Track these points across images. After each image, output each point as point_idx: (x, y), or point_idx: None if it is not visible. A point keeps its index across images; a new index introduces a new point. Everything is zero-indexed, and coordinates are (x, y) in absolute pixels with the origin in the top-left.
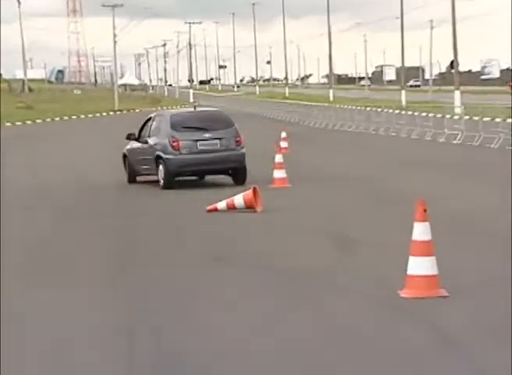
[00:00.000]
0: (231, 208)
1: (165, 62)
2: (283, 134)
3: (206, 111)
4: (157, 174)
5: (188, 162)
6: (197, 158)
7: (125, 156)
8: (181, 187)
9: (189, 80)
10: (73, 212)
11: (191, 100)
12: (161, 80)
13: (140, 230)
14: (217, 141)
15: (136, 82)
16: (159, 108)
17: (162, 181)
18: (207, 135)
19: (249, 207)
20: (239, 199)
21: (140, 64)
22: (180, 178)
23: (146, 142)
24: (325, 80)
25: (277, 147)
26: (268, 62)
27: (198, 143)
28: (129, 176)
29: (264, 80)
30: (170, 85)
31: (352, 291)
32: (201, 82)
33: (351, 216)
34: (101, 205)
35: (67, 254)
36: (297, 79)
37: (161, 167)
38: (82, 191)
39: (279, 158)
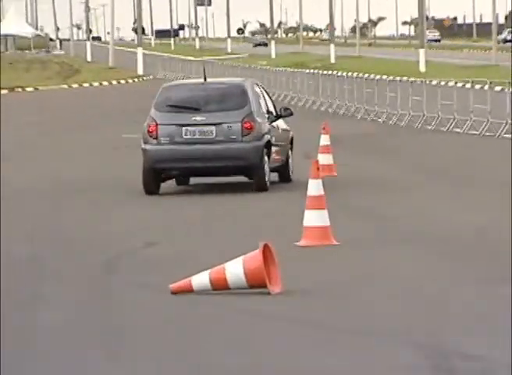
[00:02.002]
0: (218, 287)
1: None
2: (324, 140)
3: (218, 83)
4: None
5: (167, 156)
6: (180, 150)
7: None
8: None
9: (134, 30)
10: None
11: (140, 69)
12: (78, 27)
13: None
14: (212, 128)
15: (29, 32)
16: (75, 85)
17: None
18: (198, 118)
19: (254, 285)
20: (235, 269)
21: None
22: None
23: None
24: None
25: (312, 166)
26: None
27: (184, 129)
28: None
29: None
30: (96, 39)
31: None
32: (159, 33)
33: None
34: None
35: None
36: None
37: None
38: None
39: (315, 187)
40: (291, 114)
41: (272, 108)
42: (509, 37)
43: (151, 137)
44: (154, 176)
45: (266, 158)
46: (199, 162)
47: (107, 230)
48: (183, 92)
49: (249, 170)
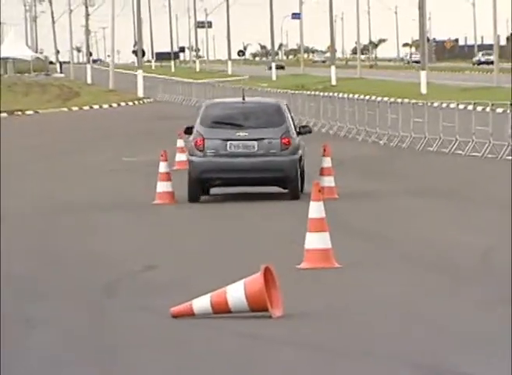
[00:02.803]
0: (219, 310)
1: (87, 12)
2: (325, 162)
3: (256, 102)
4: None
5: (213, 167)
6: (225, 162)
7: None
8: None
9: (134, 52)
10: None
11: (140, 91)
12: (78, 50)
13: None
14: (254, 143)
15: (29, 55)
16: (75, 108)
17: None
18: (241, 134)
19: (255, 308)
20: (236, 292)
21: (35, 20)
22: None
23: None
24: (404, 53)
25: (313, 188)
26: (295, 16)
27: (228, 143)
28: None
29: (286, 52)
30: (98, 61)
31: None
32: (159, 55)
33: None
34: None
35: None
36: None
37: (188, 172)
38: None
39: (316, 210)
40: (310, 131)
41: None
42: (483, 59)
43: (197, 149)
44: (199, 186)
45: (299, 170)
46: (241, 173)
47: (105, 251)
48: (225, 110)
49: (285, 181)
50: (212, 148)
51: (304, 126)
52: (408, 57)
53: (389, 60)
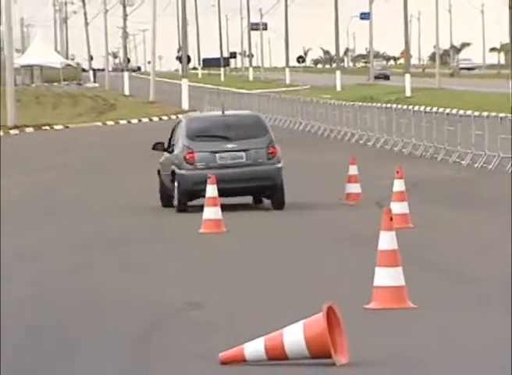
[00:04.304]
0: (275, 356)
1: (125, 12)
2: (398, 186)
3: (236, 115)
4: (173, 193)
5: (205, 179)
6: (215, 173)
7: (159, 172)
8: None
9: (178, 59)
10: None
11: (185, 103)
12: (114, 56)
13: None
14: (242, 154)
15: (58, 62)
16: (110, 122)
17: (176, 202)
18: (229, 146)
19: (316, 354)
20: (294, 335)
21: (66, 21)
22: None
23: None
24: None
25: (384, 216)
26: (364, 16)
27: (218, 155)
28: (161, 196)
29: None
30: (137, 70)
31: None
32: (206, 62)
33: None
34: None
35: None
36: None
37: (176, 185)
38: None
39: (387, 241)
40: None
41: None
42: None
43: (187, 163)
44: (189, 198)
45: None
46: (232, 184)
47: (145, 288)
48: (207, 123)
49: (272, 189)
50: (202, 160)
51: None
52: (456, 63)
53: (472, 68)
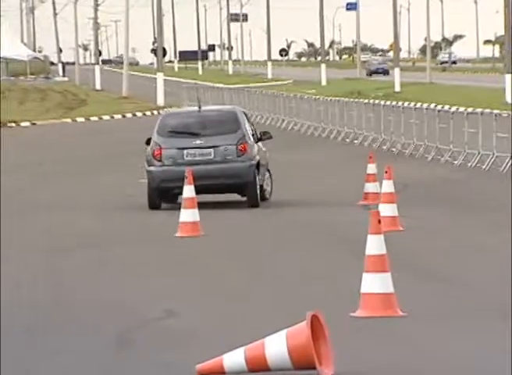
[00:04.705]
0: (256, 367)
1: (97, 1)
2: (387, 187)
3: (213, 110)
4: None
5: (171, 176)
6: (183, 171)
7: None
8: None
9: (153, 52)
10: None
11: (160, 99)
12: (85, 49)
13: None
14: (210, 150)
15: (25, 54)
16: (80, 119)
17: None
18: (197, 142)
19: (300, 365)
20: (277, 345)
21: (33, 11)
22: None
23: None
24: None
25: (372, 218)
26: (351, 7)
27: (185, 152)
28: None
29: (340, 52)
30: (108, 62)
31: None
32: (183, 55)
33: None
34: None
35: None
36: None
37: (146, 181)
38: None
39: (375, 245)
40: (270, 137)
41: (253, 132)
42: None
43: (155, 159)
44: (159, 195)
45: (257, 176)
46: (200, 181)
47: (118, 295)
48: (181, 119)
49: (243, 188)
50: (170, 157)
51: (264, 133)
52: (446, 57)
53: (467, 61)
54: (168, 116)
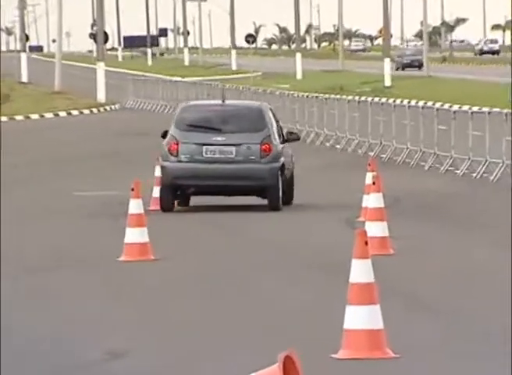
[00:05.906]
0: None
1: None
2: (375, 201)
3: (237, 105)
4: None
5: (187, 173)
6: (200, 168)
7: None
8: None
9: (92, 36)
10: None
11: (101, 94)
12: (8, 33)
13: None
14: (232, 148)
15: None
16: (3, 118)
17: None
18: (218, 138)
19: None
20: None
21: None
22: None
23: None
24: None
25: (357, 239)
26: None
27: (204, 148)
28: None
29: (318, 38)
30: (38, 48)
31: None
32: (129, 41)
33: None
34: None
35: None
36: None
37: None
38: None
39: (362, 272)
40: (298, 138)
41: (280, 132)
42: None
43: (171, 154)
44: (172, 193)
45: (280, 179)
46: (217, 181)
47: (53, 332)
48: (202, 113)
49: (265, 191)
50: (187, 152)
51: (291, 133)
52: (482, 45)
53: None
54: (187, 108)
